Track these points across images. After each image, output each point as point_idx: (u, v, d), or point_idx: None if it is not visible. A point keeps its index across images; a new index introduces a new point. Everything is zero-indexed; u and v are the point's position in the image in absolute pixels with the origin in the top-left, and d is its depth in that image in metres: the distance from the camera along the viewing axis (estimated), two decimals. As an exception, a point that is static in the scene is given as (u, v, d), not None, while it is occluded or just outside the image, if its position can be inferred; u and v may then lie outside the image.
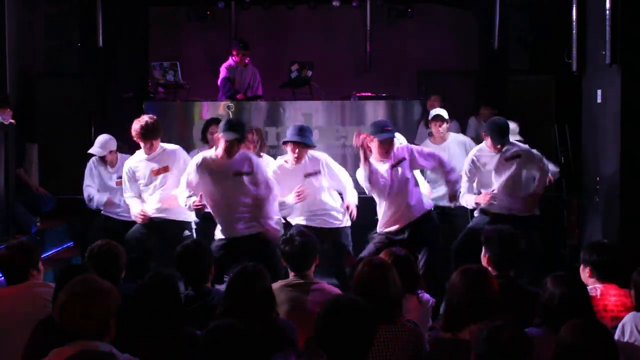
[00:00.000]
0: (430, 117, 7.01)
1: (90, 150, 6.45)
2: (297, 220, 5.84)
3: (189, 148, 6.67)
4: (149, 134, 5.70)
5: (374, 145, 5.53)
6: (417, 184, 5.76)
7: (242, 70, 8.49)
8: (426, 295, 3.98)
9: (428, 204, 5.83)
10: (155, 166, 5.82)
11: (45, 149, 8.17)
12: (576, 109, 7.35)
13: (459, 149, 6.91)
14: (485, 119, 8.09)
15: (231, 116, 7.59)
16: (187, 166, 5.52)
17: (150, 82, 8.87)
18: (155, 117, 5.86)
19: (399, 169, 5.58)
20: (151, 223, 5.86)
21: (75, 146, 8.31)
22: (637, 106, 6.20)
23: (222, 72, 8.38)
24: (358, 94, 8.20)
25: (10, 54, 7.62)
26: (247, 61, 8.52)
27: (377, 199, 5.72)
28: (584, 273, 3.90)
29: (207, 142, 6.66)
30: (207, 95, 8.40)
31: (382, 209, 5.70)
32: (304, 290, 3.93)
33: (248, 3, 10.68)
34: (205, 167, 5.31)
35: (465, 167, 6.08)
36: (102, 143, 6.43)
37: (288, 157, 5.73)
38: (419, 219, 5.67)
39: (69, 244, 7.42)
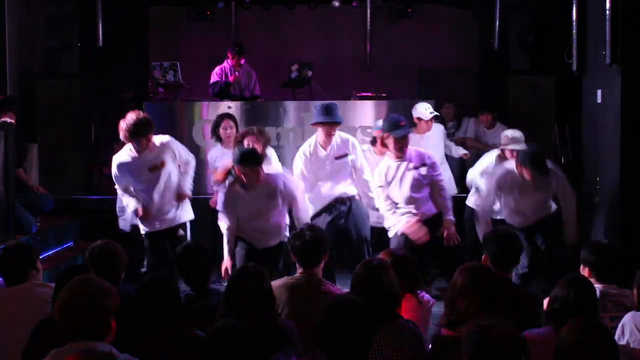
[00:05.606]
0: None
1: None
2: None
3: (188, 148, 6.63)
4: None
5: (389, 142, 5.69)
6: None
7: (235, 72, 8.46)
8: (426, 296, 3.97)
9: None
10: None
11: (45, 149, 8.16)
12: (576, 109, 7.35)
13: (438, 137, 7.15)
14: (485, 125, 8.07)
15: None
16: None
17: (150, 82, 8.87)
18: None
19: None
20: None
21: (75, 146, 8.33)
22: (637, 106, 6.19)
23: (213, 76, 8.29)
24: (358, 94, 8.19)
25: (10, 54, 7.63)
26: (242, 62, 8.48)
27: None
28: (584, 273, 3.90)
29: (219, 139, 6.60)
30: (207, 95, 8.39)
31: None
32: (311, 292, 3.83)
33: (248, 3, 10.68)
34: None
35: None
36: None
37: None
38: None
39: (69, 244, 7.41)
